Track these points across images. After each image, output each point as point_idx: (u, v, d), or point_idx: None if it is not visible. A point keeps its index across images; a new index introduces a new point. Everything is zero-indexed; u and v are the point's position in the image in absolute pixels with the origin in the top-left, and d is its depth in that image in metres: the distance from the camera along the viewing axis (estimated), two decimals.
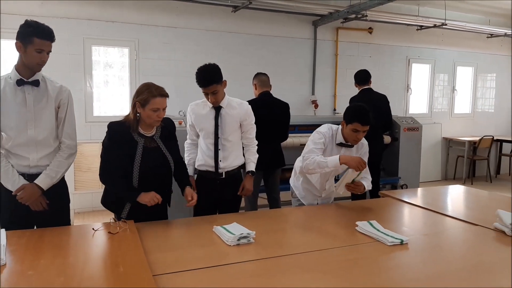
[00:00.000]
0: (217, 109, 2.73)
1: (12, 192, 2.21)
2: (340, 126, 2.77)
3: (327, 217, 2.60)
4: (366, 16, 5.77)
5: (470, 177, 7.53)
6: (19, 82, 2.19)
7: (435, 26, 6.59)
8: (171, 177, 2.47)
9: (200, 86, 2.65)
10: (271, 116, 3.66)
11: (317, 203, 2.95)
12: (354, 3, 5.64)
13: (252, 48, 6.00)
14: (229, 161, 2.78)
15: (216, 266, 1.77)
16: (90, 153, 5.06)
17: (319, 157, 2.61)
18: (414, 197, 3.20)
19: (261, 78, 3.88)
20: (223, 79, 2.70)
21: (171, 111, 3.56)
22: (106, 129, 2.32)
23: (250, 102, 3.05)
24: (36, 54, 2.15)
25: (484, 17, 7.38)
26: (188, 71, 5.54)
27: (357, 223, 2.27)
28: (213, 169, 2.76)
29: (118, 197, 2.36)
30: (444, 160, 7.79)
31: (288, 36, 6.24)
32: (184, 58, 5.60)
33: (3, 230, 1.98)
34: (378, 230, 2.17)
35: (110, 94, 5.42)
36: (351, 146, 2.78)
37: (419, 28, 6.87)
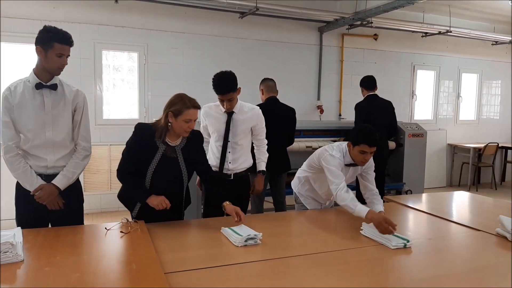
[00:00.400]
0: (230, 113, 2.83)
1: (29, 192, 2.29)
2: (347, 147, 2.70)
3: (332, 221, 2.65)
4: (372, 23, 5.84)
5: (475, 184, 7.54)
6: (38, 86, 2.27)
7: (440, 33, 6.65)
8: (183, 189, 2.51)
9: (217, 93, 2.74)
10: (278, 121, 3.71)
11: (320, 208, 3.00)
12: (359, 10, 5.72)
13: (259, 53, 6.09)
14: (238, 163, 2.87)
15: (224, 266, 1.83)
16: (99, 155, 5.16)
17: (351, 198, 2.49)
18: (418, 202, 3.24)
19: (267, 84, 3.95)
20: (238, 86, 2.79)
21: None
22: (134, 129, 2.38)
23: None
24: (56, 59, 2.23)
25: (489, 24, 7.42)
26: (196, 76, 5.68)
27: (363, 224, 2.33)
28: (224, 171, 2.85)
29: (129, 195, 2.44)
30: (449, 167, 7.81)
31: (294, 42, 6.32)
32: (192, 63, 5.69)
33: (19, 229, 2.06)
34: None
35: (118, 97, 5.51)
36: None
37: (424, 35, 6.93)
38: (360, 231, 2.31)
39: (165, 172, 2.38)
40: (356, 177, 2.85)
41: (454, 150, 7.77)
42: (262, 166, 3.03)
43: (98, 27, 5.14)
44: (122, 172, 2.38)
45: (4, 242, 1.75)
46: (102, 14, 5.14)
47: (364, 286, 1.69)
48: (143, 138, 2.34)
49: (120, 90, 5.52)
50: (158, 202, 2.27)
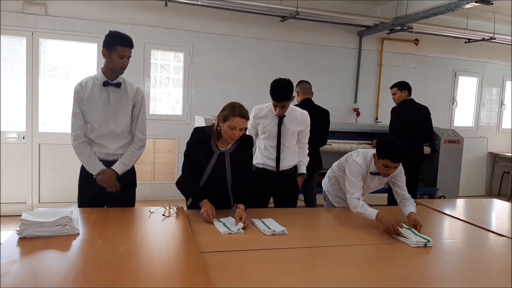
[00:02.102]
0: (281, 117, 2.97)
1: (91, 175, 2.60)
2: (372, 156, 2.77)
3: (357, 219, 2.71)
4: (412, 28, 5.84)
5: None
6: (105, 83, 2.59)
7: (483, 39, 6.52)
8: (228, 190, 2.69)
9: (273, 99, 2.88)
10: (312, 122, 3.85)
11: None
12: (399, 15, 5.74)
13: (298, 56, 6.24)
14: (284, 162, 3.02)
15: (253, 250, 2.03)
16: (146, 147, 5.49)
17: (361, 204, 2.62)
18: (448, 207, 3.23)
19: (303, 86, 4.11)
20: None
21: None
22: (192, 132, 2.58)
23: None
24: (118, 60, 2.53)
25: None
26: (237, 76, 5.93)
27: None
28: (271, 168, 3.00)
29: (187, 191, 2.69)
30: (489, 176, 7.63)
31: (333, 45, 6.42)
32: (233, 64, 5.94)
33: (75, 207, 2.37)
34: (405, 229, 2.37)
35: (164, 94, 5.86)
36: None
37: (467, 41, 6.82)
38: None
39: (217, 177, 2.61)
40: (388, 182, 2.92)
41: (495, 159, 7.58)
42: (303, 169, 3.15)
43: (148, 28, 5.48)
44: (184, 172, 2.62)
45: (64, 216, 2.03)
46: (152, 16, 5.48)
47: (382, 278, 1.83)
48: (201, 142, 2.54)
49: (166, 88, 5.86)
50: (205, 209, 2.43)
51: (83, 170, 2.67)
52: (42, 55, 5.08)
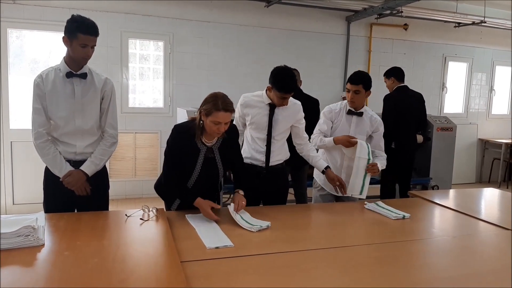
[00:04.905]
0: (272, 106, 2.70)
1: (58, 178, 2.34)
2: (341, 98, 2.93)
3: (353, 215, 2.61)
4: (402, 12, 5.67)
5: (506, 180, 7.28)
6: (69, 75, 2.32)
7: (473, 23, 6.39)
8: (218, 184, 2.55)
9: (279, 91, 2.58)
10: None
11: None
12: None
13: (284, 43, 6.02)
14: (273, 156, 2.78)
15: (242, 257, 1.82)
16: (125, 143, 5.25)
17: (319, 139, 2.94)
18: (444, 198, 3.13)
19: None
20: None
21: None
22: (171, 131, 2.35)
23: None
24: (80, 49, 2.26)
25: None
26: (220, 65, 5.67)
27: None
28: (259, 163, 2.77)
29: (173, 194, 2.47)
30: (479, 162, 7.57)
31: (321, 31, 6.21)
32: (216, 52, 5.68)
33: (42, 213, 2.11)
34: (383, 208, 2.60)
35: (144, 86, 5.57)
36: (360, 114, 2.94)
37: (456, 25, 6.67)
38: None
39: (208, 173, 2.40)
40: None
41: (485, 145, 7.51)
42: (323, 162, 2.90)
43: (125, 16, 5.19)
44: (168, 174, 2.38)
45: (26, 225, 1.79)
46: (129, 3, 5.18)
47: (384, 282, 1.65)
48: (184, 141, 2.32)
49: (147, 79, 5.58)
50: (204, 207, 2.27)
51: (47, 172, 2.41)
52: (18, 49, 4.75)
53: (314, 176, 3.16)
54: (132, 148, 5.36)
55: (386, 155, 3.03)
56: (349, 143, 2.82)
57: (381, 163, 2.92)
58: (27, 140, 4.67)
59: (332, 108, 3.00)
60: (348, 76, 6.35)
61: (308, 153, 2.88)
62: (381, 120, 3.04)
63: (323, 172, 2.85)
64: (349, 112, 2.94)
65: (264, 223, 2.20)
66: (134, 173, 5.38)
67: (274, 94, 2.63)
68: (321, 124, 3.01)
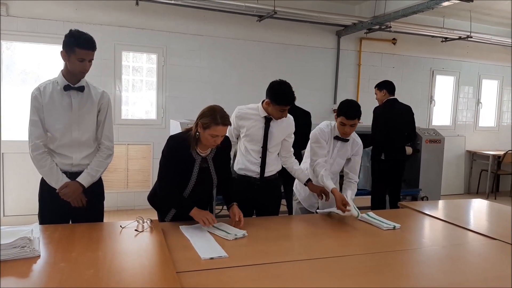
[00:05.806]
0: (267, 119, 2.75)
1: (54, 189, 2.35)
2: (335, 122, 2.95)
3: (345, 225, 2.63)
4: (390, 27, 5.80)
5: (493, 191, 7.40)
6: (66, 88, 2.35)
7: (460, 38, 6.56)
8: (212, 193, 2.61)
9: (280, 104, 2.64)
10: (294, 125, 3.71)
11: (317, 207, 3.00)
12: (378, 14, 5.68)
13: (276, 56, 6.11)
14: (268, 168, 2.83)
15: (239, 267, 1.84)
16: (117, 154, 5.23)
17: (322, 173, 2.79)
18: (434, 209, 3.19)
19: None
20: None
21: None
22: (167, 141, 2.38)
23: None
24: (78, 63, 2.29)
25: (510, 30, 7.28)
26: (213, 78, 5.73)
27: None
28: (254, 175, 2.81)
29: (167, 204, 2.49)
30: (467, 174, 7.68)
31: (311, 45, 6.32)
32: (209, 65, 5.74)
33: (36, 224, 2.12)
34: (374, 218, 2.61)
35: (137, 98, 5.60)
36: (346, 140, 2.96)
37: (444, 40, 6.84)
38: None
39: (203, 183, 2.44)
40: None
41: (473, 157, 7.64)
42: (306, 175, 2.93)
43: (118, 29, 5.23)
44: (162, 184, 2.40)
45: (22, 237, 1.80)
46: (123, 16, 5.23)
47: None
48: (179, 151, 2.35)
49: (140, 91, 5.60)
50: (201, 216, 2.29)
51: (43, 183, 2.42)
52: (8, 59, 4.76)
53: (293, 189, 3.20)
54: (125, 160, 5.36)
55: (358, 180, 3.04)
56: (342, 207, 2.63)
57: (352, 192, 2.90)
58: (18, 152, 4.71)
59: (325, 131, 2.96)
60: (338, 88, 6.50)
61: (292, 165, 2.94)
62: (361, 143, 3.04)
63: (305, 184, 2.88)
64: (336, 137, 2.96)
65: (240, 232, 2.24)
66: (126, 185, 5.37)
67: (273, 108, 2.68)
68: (322, 148, 2.92)
